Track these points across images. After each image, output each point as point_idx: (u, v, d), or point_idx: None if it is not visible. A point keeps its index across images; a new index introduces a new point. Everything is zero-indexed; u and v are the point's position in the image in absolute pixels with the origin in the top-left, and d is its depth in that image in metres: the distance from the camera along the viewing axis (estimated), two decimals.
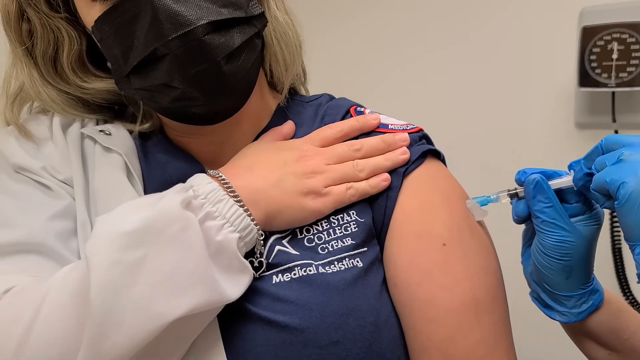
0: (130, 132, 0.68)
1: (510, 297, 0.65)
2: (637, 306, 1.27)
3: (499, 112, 1.42)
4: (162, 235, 0.49)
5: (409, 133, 0.64)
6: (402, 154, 0.62)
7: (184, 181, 0.59)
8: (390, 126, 0.65)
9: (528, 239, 0.64)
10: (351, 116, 0.67)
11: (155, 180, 0.64)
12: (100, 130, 0.65)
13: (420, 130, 0.66)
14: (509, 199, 0.62)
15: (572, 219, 0.58)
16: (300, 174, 0.59)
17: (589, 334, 0.63)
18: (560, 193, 0.59)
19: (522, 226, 0.65)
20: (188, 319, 0.50)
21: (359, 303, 0.56)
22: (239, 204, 0.55)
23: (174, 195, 0.53)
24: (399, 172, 0.62)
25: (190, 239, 0.51)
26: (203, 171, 0.64)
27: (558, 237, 0.57)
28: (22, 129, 0.64)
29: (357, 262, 0.58)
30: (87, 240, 0.56)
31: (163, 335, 0.48)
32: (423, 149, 0.63)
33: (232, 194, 0.55)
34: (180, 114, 0.60)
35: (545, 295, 0.62)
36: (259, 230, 0.56)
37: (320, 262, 0.57)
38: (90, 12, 0.59)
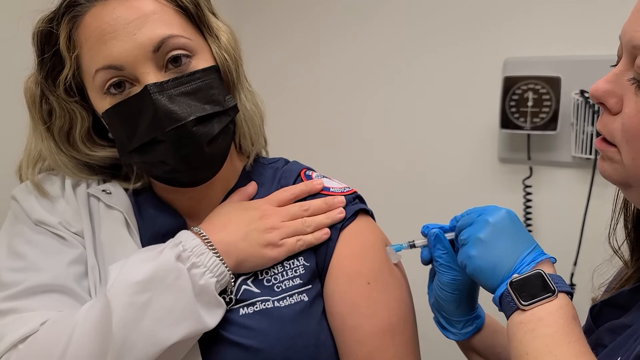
0: (126, 189, 0.85)
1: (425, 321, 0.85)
2: None
3: (434, 148, 1.64)
4: (162, 282, 0.68)
5: (345, 195, 0.84)
6: (339, 213, 0.81)
7: (170, 233, 0.77)
8: (331, 189, 0.85)
9: (432, 276, 0.84)
10: (301, 179, 0.86)
11: (148, 232, 0.81)
12: (103, 190, 0.82)
13: (355, 192, 0.86)
14: (415, 247, 0.82)
15: None
16: (262, 230, 0.78)
17: (474, 349, 0.84)
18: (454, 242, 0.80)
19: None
20: (179, 343, 0.68)
21: (305, 329, 0.75)
22: (216, 255, 0.73)
23: (169, 250, 0.71)
24: (337, 227, 0.81)
25: (182, 284, 0.69)
26: (185, 224, 0.82)
27: (451, 276, 0.77)
28: (41, 188, 0.81)
29: (304, 297, 0.77)
30: (99, 283, 0.74)
31: (161, 357, 0.66)
32: (356, 208, 0.83)
33: (210, 247, 0.74)
34: (170, 180, 0.79)
35: (443, 319, 0.82)
36: (230, 274, 0.75)
37: (275, 298, 0.76)
38: (102, 103, 0.76)
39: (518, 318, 0.64)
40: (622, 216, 0.74)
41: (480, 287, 0.81)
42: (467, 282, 0.77)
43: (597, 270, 0.78)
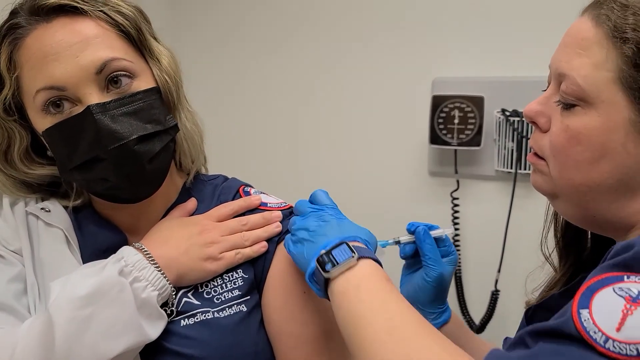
0: (65, 207, 0.86)
1: None
2: (472, 323, 1.59)
3: (369, 162, 1.72)
4: (105, 296, 0.70)
5: (282, 210, 0.88)
6: (276, 227, 0.86)
7: (111, 249, 0.79)
8: (268, 204, 0.89)
9: (408, 271, 0.92)
10: (240, 195, 0.90)
11: (89, 248, 0.83)
12: (42, 208, 0.83)
13: (291, 207, 0.90)
14: (401, 243, 0.89)
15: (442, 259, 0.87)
16: (202, 244, 0.81)
17: None
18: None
19: None
20: (122, 355, 0.70)
21: (244, 338, 0.79)
22: (157, 269, 0.76)
23: (111, 266, 0.73)
24: (274, 241, 0.85)
25: (125, 297, 0.71)
26: (126, 240, 0.84)
27: (439, 270, 0.85)
28: None
29: (243, 307, 0.81)
30: (39, 300, 0.76)
31: None
32: None
33: (152, 262, 0.76)
34: (111, 197, 0.81)
35: (418, 311, 0.89)
36: (171, 288, 0.77)
37: (215, 309, 0.80)
38: (42, 122, 0.77)
39: (337, 289, 0.69)
40: (552, 226, 0.82)
41: (449, 286, 0.91)
42: (447, 276, 0.86)
43: (529, 276, 0.85)
